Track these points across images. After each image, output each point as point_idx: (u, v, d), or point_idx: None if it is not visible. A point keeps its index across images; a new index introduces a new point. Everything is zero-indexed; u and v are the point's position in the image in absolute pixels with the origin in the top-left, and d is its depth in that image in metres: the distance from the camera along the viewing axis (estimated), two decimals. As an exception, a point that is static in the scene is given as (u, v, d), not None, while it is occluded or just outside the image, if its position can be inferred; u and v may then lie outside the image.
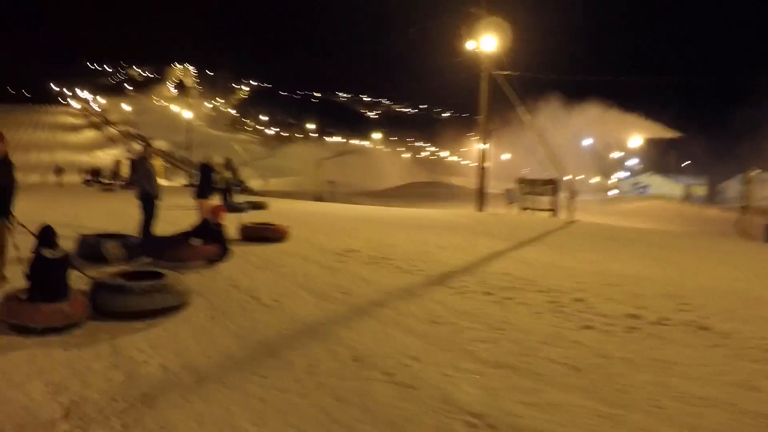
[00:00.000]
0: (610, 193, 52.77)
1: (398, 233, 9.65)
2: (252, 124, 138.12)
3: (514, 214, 17.67)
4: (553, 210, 18.02)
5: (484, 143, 22.16)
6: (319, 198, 26.82)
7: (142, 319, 4.39)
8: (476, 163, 22.71)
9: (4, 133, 5.32)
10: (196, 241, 6.73)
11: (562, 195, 18.72)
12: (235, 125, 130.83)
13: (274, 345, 4.03)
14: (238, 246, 7.60)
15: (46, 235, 4.42)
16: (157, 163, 36.88)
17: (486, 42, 20.09)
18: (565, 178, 21.16)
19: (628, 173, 64.34)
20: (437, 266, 6.82)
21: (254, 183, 36.98)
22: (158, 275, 4.94)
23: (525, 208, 18.80)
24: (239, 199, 17.20)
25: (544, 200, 18.54)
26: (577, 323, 4.56)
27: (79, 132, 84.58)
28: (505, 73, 20.91)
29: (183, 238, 6.88)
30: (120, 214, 12.22)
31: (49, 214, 11.63)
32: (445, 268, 6.72)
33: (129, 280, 4.75)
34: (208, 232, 6.83)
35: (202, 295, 5.21)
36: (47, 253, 4.29)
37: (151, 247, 7.06)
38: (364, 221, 12.06)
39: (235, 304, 5.11)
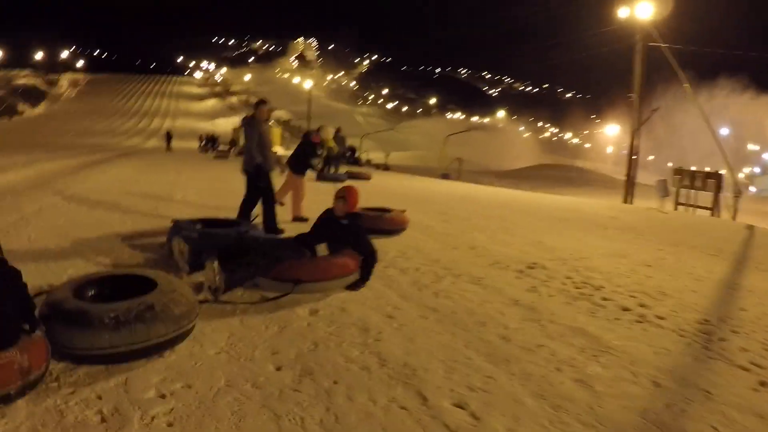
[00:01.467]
0: (751, 190, 44.97)
1: (562, 233, 7.65)
2: (372, 97, 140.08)
3: (670, 210, 15.38)
4: (713, 209, 15.45)
5: (637, 126, 19.70)
6: (445, 176, 25.88)
7: (117, 362, 2.70)
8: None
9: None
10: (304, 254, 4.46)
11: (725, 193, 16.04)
12: (355, 98, 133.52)
13: None
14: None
15: None
16: (276, 131, 37.09)
17: (642, 9, 17.58)
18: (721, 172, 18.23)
19: (759, 169, 52.97)
20: (681, 309, 4.23)
21: (374, 155, 36.96)
22: (146, 284, 3.08)
23: (680, 204, 16.37)
24: (342, 170, 16.05)
25: (702, 196, 15.96)
26: None
27: (203, 101, 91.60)
28: (665, 45, 18.22)
29: (302, 241, 4.59)
30: (224, 186, 11.43)
31: (141, 183, 11.17)
32: (694, 314, 4.17)
33: (95, 296, 3.11)
34: (342, 232, 4.48)
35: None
36: None
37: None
38: (506, 209, 10.83)
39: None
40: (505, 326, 3.63)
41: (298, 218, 7.88)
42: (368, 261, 4.38)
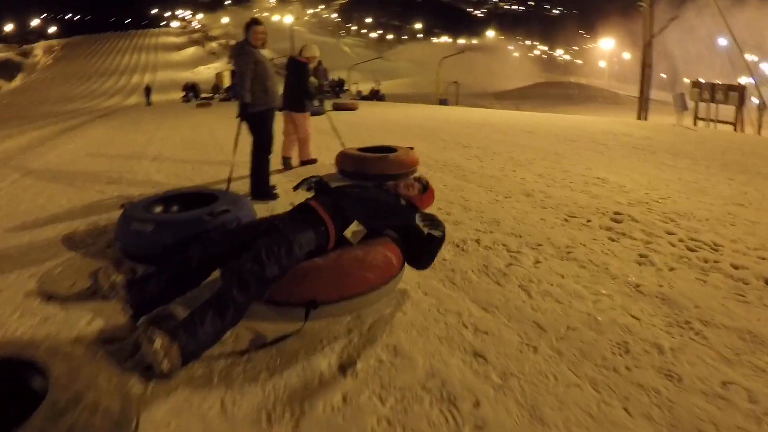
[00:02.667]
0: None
1: (613, 161, 6.52)
2: (355, 28, 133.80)
3: (693, 125, 14.23)
4: (735, 123, 14.33)
5: (650, 37, 18.19)
6: (443, 101, 24.37)
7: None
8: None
9: None
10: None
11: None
12: (338, 30, 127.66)
13: None
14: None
15: None
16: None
17: None
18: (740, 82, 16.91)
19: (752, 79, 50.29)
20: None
21: (364, 86, 34.96)
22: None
23: (700, 119, 15.21)
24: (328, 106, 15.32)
25: (723, 110, 14.79)
26: None
27: (182, 50, 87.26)
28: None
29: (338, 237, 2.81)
30: (206, 139, 10.21)
31: (113, 145, 9.89)
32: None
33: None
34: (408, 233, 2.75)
35: None
36: None
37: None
38: (532, 136, 9.68)
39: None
40: (655, 346, 2.27)
41: (306, 161, 6.83)
42: (426, 246, 2.71)
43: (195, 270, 2.56)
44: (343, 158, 5.96)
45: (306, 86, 6.57)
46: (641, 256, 3.40)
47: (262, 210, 4.38)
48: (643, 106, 18.18)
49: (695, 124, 14.62)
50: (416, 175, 3.66)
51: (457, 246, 3.58)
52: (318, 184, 3.03)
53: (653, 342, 2.32)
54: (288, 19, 62.65)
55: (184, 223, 3.31)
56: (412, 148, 6.05)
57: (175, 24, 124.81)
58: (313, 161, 6.87)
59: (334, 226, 2.67)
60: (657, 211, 4.38)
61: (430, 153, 7.60)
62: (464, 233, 3.85)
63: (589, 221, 4.11)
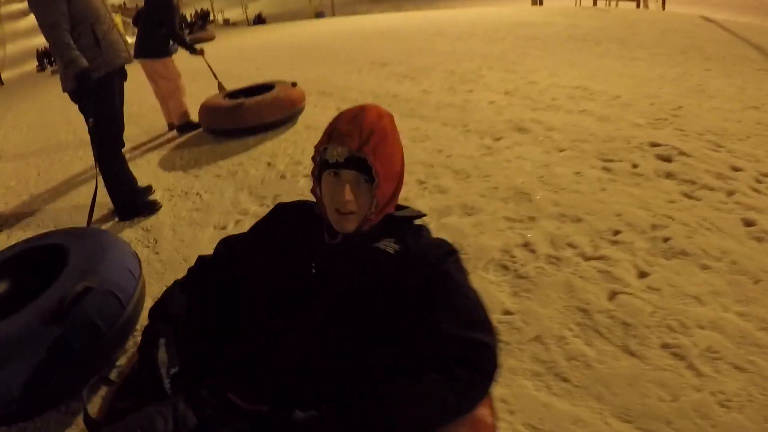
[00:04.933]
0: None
1: (574, 64, 4.89)
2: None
3: (606, 7, 13.41)
4: (638, 0, 13.72)
5: None
6: (320, 14, 21.70)
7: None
8: None
9: None
10: None
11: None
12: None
13: None
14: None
15: None
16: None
17: None
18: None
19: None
20: None
21: (232, 13, 30.52)
22: None
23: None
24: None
25: None
26: None
27: (28, 15, 71.80)
28: None
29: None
30: (59, 118, 7.33)
31: None
32: None
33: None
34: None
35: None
36: None
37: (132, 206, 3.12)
38: (435, 38, 8.26)
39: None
40: None
41: (184, 126, 5.07)
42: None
43: None
44: (205, 112, 4.59)
45: (172, 24, 4.66)
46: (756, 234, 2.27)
47: (144, 255, 2.68)
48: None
49: (595, 4, 13.89)
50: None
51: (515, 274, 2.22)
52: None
53: None
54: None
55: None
56: (294, 84, 4.79)
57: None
58: (195, 126, 4.98)
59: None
60: (691, 134, 3.30)
61: (347, 81, 5.97)
62: (503, 240, 2.41)
63: (635, 167, 2.90)
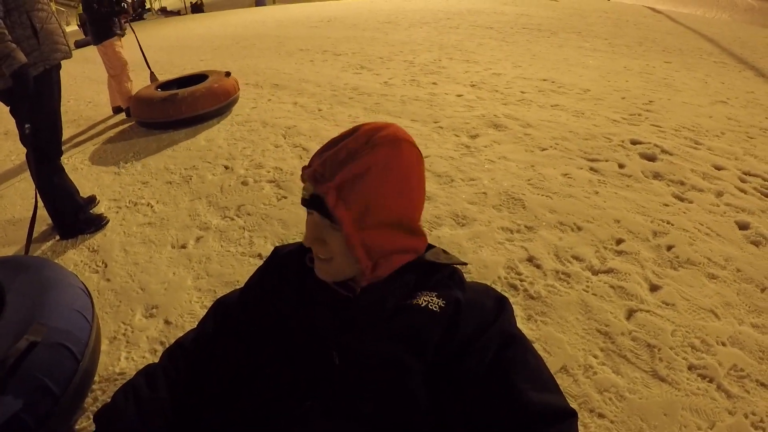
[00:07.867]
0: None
1: (536, 55, 5.30)
2: None
3: None
4: None
5: None
6: (260, 2, 20.86)
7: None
8: None
9: None
10: None
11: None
12: None
13: None
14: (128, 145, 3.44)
15: None
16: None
17: None
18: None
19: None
20: None
21: (167, 1, 28.77)
22: None
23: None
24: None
25: None
26: None
27: None
28: None
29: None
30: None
31: None
32: None
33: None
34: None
35: None
36: None
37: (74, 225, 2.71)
38: (387, 27, 8.02)
39: None
40: None
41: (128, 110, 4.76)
42: None
43: None
44: (137, 104, 4.29)
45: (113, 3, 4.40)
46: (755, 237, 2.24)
47: (94, 282, 2.31)
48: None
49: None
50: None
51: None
52: None
53: None
54: None
55: None
56: (228, 74, 4.56)
57: None
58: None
59: None
60: (669, 130, 3.27)
61: (300, 72, 5.64)
62: (505, 255, 2.27)
63: (622, 167, 2.82)
